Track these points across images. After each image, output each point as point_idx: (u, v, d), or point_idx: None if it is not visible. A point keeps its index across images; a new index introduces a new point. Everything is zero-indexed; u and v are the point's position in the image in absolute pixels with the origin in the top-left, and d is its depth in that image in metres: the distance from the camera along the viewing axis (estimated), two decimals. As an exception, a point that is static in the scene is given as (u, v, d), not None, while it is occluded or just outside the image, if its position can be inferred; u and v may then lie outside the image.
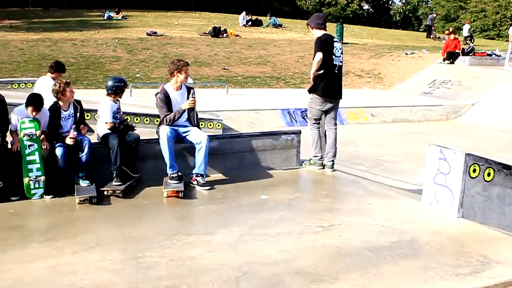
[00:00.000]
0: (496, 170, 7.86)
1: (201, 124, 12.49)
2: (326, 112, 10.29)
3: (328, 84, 10.11)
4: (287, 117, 17.50)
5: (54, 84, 9.03)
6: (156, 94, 9.28)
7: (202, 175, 8.99)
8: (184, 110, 9.17)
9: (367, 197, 8.73)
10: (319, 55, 9.85)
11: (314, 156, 10.34)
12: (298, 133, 10.40)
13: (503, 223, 7.99)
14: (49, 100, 9.13)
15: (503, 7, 64.91)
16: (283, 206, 8.23)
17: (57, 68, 12.37)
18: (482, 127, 19.40)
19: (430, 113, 20.28)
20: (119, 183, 8.70)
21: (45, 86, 11.50)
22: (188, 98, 9.23)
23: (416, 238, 7.01)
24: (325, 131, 10.37)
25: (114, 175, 8.77)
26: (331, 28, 38.55)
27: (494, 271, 6.25)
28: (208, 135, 9.26)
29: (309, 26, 10.45)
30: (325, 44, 10.05)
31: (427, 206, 8.11)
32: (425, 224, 7.52)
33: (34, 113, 8.57)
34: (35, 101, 8.62)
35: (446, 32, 32.34)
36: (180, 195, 8.55)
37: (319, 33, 10.20)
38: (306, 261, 6.25)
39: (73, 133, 8.63)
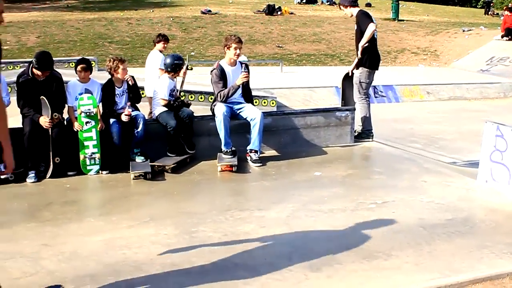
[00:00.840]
0: None
1: (255, 102, 12.56)
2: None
3: (374, 56, 10.56)
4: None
5: (108, 60, 9.15)
6: (211, 71, 9.33)
7: (256, 151, 9.03)
8: (239, 86, 9.19)
9: (422, 174, 8.64)
10: (372, 26, 10.14)
11: (367, 130, 10.44)
12: (352, 109, 10.34)
13: None
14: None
15: None
16: (336, 182, 8.21)
17: (163, 37, 12.50)
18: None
19: (487, 91, 19.87)
20: (170, 160, 8.82)
21: (154, 60, 11.89)
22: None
23: (471, 216, 6.92)
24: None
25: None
26: (387, 5, 38.10)
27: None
28: (263, 112, 9.27)
29: (341, 6, 10.80)
30: (370, 16, 10.50)
31: (483, 184, 8.00)
32: (481, 202, 7.41)
33: (83, 75, 8.74)
34: (81, 61, 8.86)
35: (505, 8, 31.59)
36: (233, 169, 8.61)
37: (356, 10, 10.56)
38: (359, 237, 6.23)
39: (128, 110, 8.73)
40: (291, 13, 35.06)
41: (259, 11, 35.00)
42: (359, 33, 10.46)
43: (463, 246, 6.09)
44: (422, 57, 26.53)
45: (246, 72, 9.23)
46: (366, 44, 10.30)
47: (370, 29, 10.20)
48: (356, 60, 10.59)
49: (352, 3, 10.61)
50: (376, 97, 17.43)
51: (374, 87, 17.52)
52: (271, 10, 34.35)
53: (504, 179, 7.67)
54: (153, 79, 11.30)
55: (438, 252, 5.91)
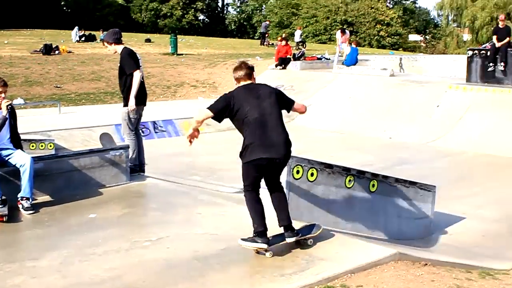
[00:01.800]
0: (318, 169, 8.11)
1: (32, 146, 12.16)
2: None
3: (141, 92, 10.65)
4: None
5: None
6: None
7: (27, 199, 8.67)
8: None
9: (197, 206, 8.77)
10: (138, 75, 10.51)
11: (137, 164, 10.60)
12: (126, 147, 10.28)
13: (330, 220, 8.24)
14: None
15: (333, 12, 67.48)
16: (112, 223, 8.10)
17: None
18: (314, 129, 20.05)
19: (264, 118, 20.63)
20: None
21: None
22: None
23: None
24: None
25: None
26: (166, 40, 38.56)
27: (318, 268, 6.48)
28: (33, 157, 8.95)
29: (106, 43, 10.86)
30: (136, 57, 10.69)
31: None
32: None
33: None
34: None
35: (279, 38, 33.16)
36: (4, 219, 8.20)
37: (120, 47, 10.67)
38: (133, 277, 6.18)
39: None
40: (69, 52, 34.42)
41: (35, 51, 33.98)
42: (122, 71, 10.56)
43: (236, 274, 6.26)
44: (201, 90, 27.10)
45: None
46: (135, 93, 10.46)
47: (136, 78, 10.41)
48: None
49: (117, 40, 10.67)
50: (156, 132, 17.54)
51: (154, 122, 17.64)
52: (48, 50, 33.48)
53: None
54: None
55: (211, 283, 6.01)
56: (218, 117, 7.11)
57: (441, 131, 18.59)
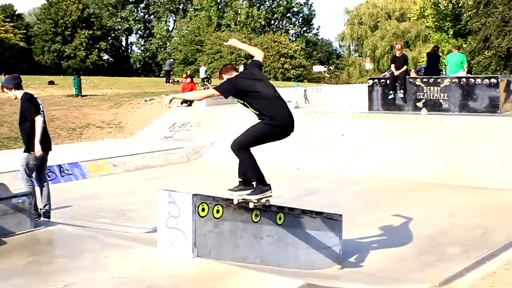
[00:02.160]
0: (224, 206, 8.13)
1: None
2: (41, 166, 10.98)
3: (44, 138, 10.70)
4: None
5: None
6: None
7: None
8: None
9: (104, 250, 8.60)
10: (40, 120, 10.55)
11: (35, 210, 10.40)
12: (29, 194, 10.03)
13: (238, 255, 8.26)
14: None
15: (237, 48, 68.14)
16: (16, 273, 7.83)
17: None
18: (222, 164, 20.04)
19: (172, 157, 20.62)
20: None
21: None
22: None
23: (153, 284, 7.00)
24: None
25: None
26: (70, 81, 38.01)
27: (227, 305, 6.45)
28: None
29: (5, 88, 10.86)
30: (36, 103, 10.72)
31: (163, 251, 8.16)
32: (161, 269, 7.55)
33: None
34: None
35: (184, 75, 33.23)
36: None
37: (21, 93, 10.69)
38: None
39: None
40: (-32, 98, 33.51)
41: None
42: (23, 117, 10.57)
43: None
44: (108, 130, 26.81)
45: None
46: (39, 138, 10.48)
47: (38, 124, 10.44)
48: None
49: (16, 85, 10.67)
50: (62, 176, 17.19)
51: (60, 166, 17.29)
52: None
53: (181, 243, 7.90)
54: None
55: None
56: (226, 95, 8.22)
57: (347, 160, 18.95)
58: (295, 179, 17.64)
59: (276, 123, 8.17)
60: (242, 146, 8.34)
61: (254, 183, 8.32)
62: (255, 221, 8.47)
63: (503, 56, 48.23)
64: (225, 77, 8.46)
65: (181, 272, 7.42)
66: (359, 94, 31.36)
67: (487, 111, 19.17)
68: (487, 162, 16.75)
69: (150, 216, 11.99)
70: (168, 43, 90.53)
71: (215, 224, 8.05)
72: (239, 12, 78.14)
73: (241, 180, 8.43)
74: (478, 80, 19.86)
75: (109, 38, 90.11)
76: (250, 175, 8.36)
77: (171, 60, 54.98)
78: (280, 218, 8.81)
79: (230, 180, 17.01)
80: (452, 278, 9.25)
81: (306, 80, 67.76)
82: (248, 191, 8.24)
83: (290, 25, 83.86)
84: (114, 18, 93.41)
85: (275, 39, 69.93)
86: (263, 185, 8.28)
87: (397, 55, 21.81)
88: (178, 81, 46.89)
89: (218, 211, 8.05)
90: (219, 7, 78.85)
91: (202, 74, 44.76)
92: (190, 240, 7.82)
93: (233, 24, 77.45)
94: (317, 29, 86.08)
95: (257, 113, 8.26)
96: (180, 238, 7.92)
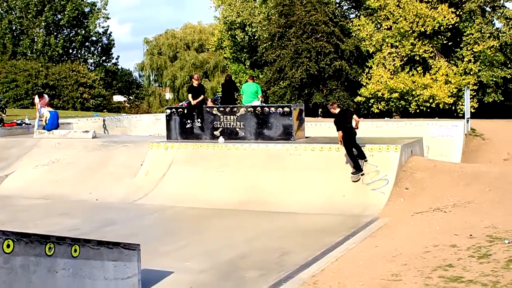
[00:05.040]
0: (15, 240, 7.75)
1: None
2: None
3: None
4: None
5: None
6: None
7: None
8: None
9: None
10: None
11: None
12: None
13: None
14: None
15: (33, 76, 65.75)
16: None
17: None
18: (19, 197, 19.33)
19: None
20: None
21: None
22: None
23: None
24: None
25: None
26: None
27: None
28: None
29: None
30: None
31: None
32: None
33: None
34: None
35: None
36: None
37: None
38: None
39: None
40: None
41: None
42: None
43: None
44: None
45: None
46: None
47: None
48: None
49: None
50: None
51: None
52: None
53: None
54: None
55: None
56: None
57: (146, 189, 18.89)
58: (94, 210, 17.32)
59: None
60: None
61: None
62: (49, 254, 8.16)
63: (297, 86, 50.42)
64: None
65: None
66: (160, 123, 31.62)
67: (281, 138, 19.81)
68: (283, 187, 17.40)
69: None
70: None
71: (6, 259, 7.65)
72: (35, 40, 75.72)
73: None
74: (272, 109, 20.47)
75: None
76: None
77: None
78: (75, 251, 8.56)
79: (26, 214, 16.55)
80: (248, 302, 9.48)
81: (106, 110, 66.72)
82: None
83: (89, 54, 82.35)
84: None
85: (74, 68, 68.41)
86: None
87: (194, 85, 22.04)
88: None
89: (8, 246, 7.66)
90: (15, 34, 75.99)
91: (-4, 103, 42.71)
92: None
93: (29, 52, 74.81)
94: (116, 58, 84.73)
95: None
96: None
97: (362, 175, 17.23)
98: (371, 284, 9.90)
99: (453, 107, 47.61)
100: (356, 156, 17.26)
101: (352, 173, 17.22)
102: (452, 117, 42.18)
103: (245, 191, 17.57)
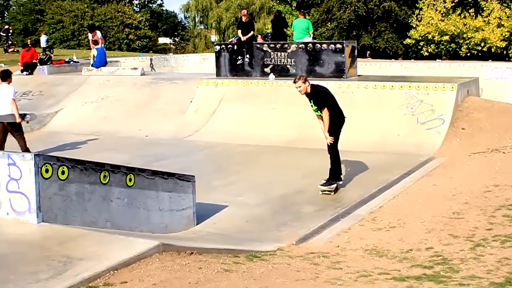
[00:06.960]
0: (69, 167, 7.57)
1: None
2: None
3: None
4: None
5: None
6: None
7: None
8: None
9: None
10: None
11: None
12: None
13: (88, 219, 7.78)
14: None
15: (79, 17, 65.85)
16: None
17: None
18: (68, 133, 19.30)
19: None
20: None
21: None
22: None
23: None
24: None
25: None
26: None
27: (77, 269, 6.05)
28: None
29: None
30: None
31: (5, 217, 7.51)
32: (3, 236, 6.96)
33: None
34: None
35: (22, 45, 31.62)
36: None
37: None
38: None
39: None
40: None
41: None
42: None
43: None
44: None
45: None
46: None
47: None
48: None
49: None
50: None
51: None
52: None
53: (25, 208, 7.30)
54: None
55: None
56: None
57: (196, 126, 18.67)
58: (144, 146, 17.19)
59: None
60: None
61: None
62: (103, 182, 7.99)
63: (344, 27, 49.60)
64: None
65: (25, 238, 6.89)
66: (207, 63, 31.32)
67: (333, 76, 19.26)
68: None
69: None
70: (6, 12, 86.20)
71: (61, 186, 7.50)
72: (81, -19, 75.67)
73: None
74: (324, 46, 19.95)
75: None
76: None
77: (6, 27, 51.50)
78: (130, 180, 8.38)
79: (76, 149, 16.50)
80: (309, 236, 9.29)
81: (151, 51, 66.66)
82: None
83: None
84: None
85: (119, 9, 68.25)
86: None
87: (244, 20, 21.61)
88: (18, 50, 44.61)
89: (63, 173, 7.49)
90: (59, -24, 76.00)
91: (43, 43, 42.73)
92: (34, 204, 7.23)
93: (75, -7, 74.83)
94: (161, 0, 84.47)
95: None
96: (23, 202, 7.32)
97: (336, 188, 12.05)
98: (432, 221, 9.56)
99: (505, 52, 46.28)
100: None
101: (322, 184, 11.92)
102: (504, 61, 41.01)
103: (296, 129, 17.19)
